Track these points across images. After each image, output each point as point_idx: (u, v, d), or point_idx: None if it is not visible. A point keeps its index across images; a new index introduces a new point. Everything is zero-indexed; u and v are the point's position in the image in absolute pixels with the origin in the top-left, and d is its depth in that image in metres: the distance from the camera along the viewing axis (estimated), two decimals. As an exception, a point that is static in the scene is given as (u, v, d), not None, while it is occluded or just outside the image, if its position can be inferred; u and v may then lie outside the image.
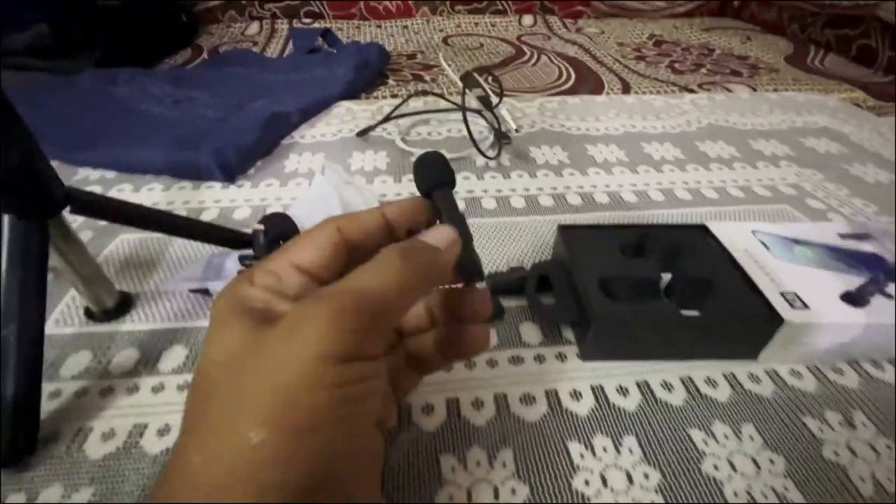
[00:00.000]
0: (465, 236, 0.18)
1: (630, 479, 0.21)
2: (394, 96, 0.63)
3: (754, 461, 0.22)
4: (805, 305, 0.25)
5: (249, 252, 0.30)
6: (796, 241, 0.30)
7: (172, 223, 0.30)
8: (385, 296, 0.14)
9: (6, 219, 0.22)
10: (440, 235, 0.17)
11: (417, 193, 0.19)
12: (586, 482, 0.21)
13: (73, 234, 0.25)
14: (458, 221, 0.18)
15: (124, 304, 0.29)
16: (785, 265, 0.28)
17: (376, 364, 0.14)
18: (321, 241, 0.16)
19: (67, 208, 0.24)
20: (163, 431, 0.23)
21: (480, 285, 0.19)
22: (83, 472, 0.21)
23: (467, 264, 0.18)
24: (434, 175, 0.19)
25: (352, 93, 0.61)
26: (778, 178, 0.44)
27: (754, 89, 0.65)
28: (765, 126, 0.54)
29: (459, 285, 0.19)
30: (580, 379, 0.25)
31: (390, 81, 0.69)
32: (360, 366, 0.13)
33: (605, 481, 0.21)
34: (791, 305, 0.25)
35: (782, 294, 0.26)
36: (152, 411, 0.23)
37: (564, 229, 0.31)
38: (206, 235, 0.31)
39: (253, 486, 0.11)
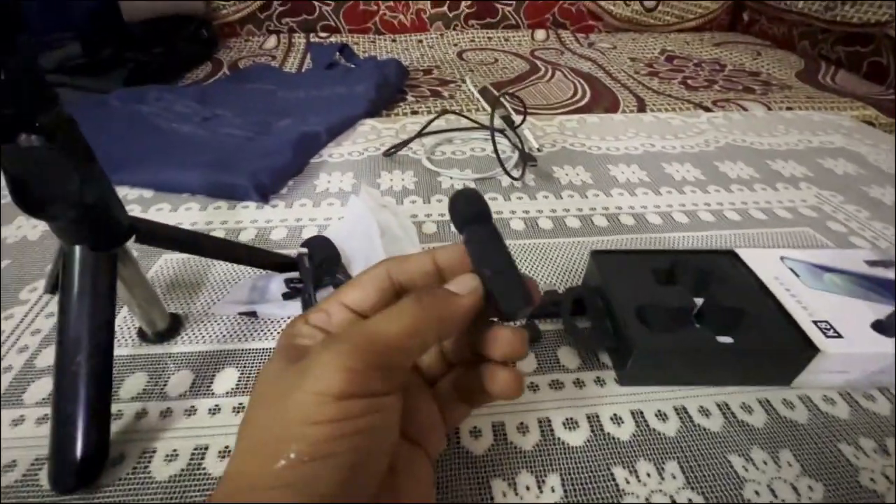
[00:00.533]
0: (503, 265, 0.17)
1: (674, 504, 0.22)
2: (414, 113, 0.64)
3: (794, 488, 0.23)
4: (838, 334, 0.26)
5: (295, 275, 0.31)
6: (825, 269, 0.31)
7: (230, 250, 0.31)
8: (394, 339, 0.15)
9: (77, 250, 0.23)
10: (461, 282, 0.17)
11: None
12: (632, 507, 0.22)
13: (133, 259, 0.26)
14: (494, 252, 0.18)
15: (175, 326, 0.30)
16: (815, 293, 0.29)
17: (385, 399, 0.15)
18: (368, 285, 0.18)
19: (132, 238, 0.25)
20: (223, 453, 0.24)
21: (521, 315, 0.18)
22: (151, 494, 0.22)
23: (504, 295, 0.17)
24: (464, 212, 0.18)
25: (374, 111, 0.62)
26: (798, 200, 0.45)
27: (769, 107, 0.66)
28: (782, 146, 0.55)
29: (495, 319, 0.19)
30: (620, 404, 0.26)
31: (409, 98, 0.70)
32: (365, 402, 0.14)
33: (650, 506, 0.22)
34: (825, 334, 0.26)
35: (815, 323, 0.27)
36: (211, 433, 0.24)
37: (598, 255, 0.32)
38: (261, 262, 0.32)
39: None
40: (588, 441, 0.24)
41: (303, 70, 0.81)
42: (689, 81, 0.78)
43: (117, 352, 0.28)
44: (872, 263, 0.31)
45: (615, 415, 0.26)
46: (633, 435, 0.25)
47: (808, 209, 0.44)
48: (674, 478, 0.23)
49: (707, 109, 0.66)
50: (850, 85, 0.77)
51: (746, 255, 0.32)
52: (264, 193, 0.43)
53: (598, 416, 0.26)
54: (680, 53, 0.92)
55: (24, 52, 0.19)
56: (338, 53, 0.83)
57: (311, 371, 0.14)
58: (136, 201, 0.43)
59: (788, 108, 0.66)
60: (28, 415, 0.25)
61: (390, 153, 0.51)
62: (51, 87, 0.20)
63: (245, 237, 0.39)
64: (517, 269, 0.18)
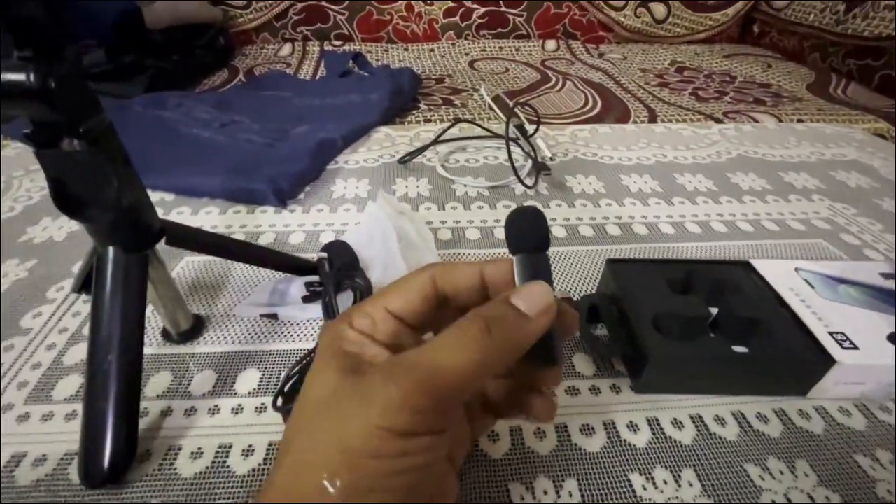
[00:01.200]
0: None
1: (691, 511, 0.22)
2: (427, 121, 0.65)
3: (811, 497, 0.23)
4: (854, 346, 0.26)
5: (315, 278, 0.32)
6: (840, 280, 0.31)
7: (253, 254, 0.32)
8: (461, 376, 0.14)
9: (111, 251, 0.24)
10: (535, 299, 0.16)
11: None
12: (649, 513, 0.22)
13: (161, 261, 0.27)
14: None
15: (198, 327, 0.31)
16: (830, 304, 0.29)
17: (442, 436, 0.14)
18: (412, 293, 0.17)
19: (162, 240, 0.26)
20: (247, 452, 0.24)
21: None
22: (178, 490, 0.22)
23: (546, 351, 0.16)
24: (528, 238, 0.17)
25: (388, 118, 0.63)
26: (811, 212, 0.45)
27: (780, 119, 0.67)
28: (794, 158, 0.55)
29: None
30: (635, 411, 0.27)
31: (422, 106, 0.71)
32: (425, 440, 0.14)
33: (667, 513, 0.22)
34: (840, 345, 0.26)
35: (831, 334, 0.27)
36: (235, 432, 0.25)
37: (613, 263, 0.32)
38: (282, 265, 0.33)
39: None
40: (604, 447, 0.25)
41: (317, 78, 0.83)
42: (700, 93, 0.78)
43: (143, 351, 0.29)
44: (888, 276, 0.32)
45: (631, 422, 0.26)
46: (649, 442, 0.25)
47: (821, 221, 0.44)
48: (690, 486, 0.23)
49: (718, 121, 0.67)
50: (861, 98, 0.77)
51: (761, 265, 0.32)
52: (282, 198, 0.43)
53: (614, 423, 0.26)
54: (690, 65, 0.92)
55: (71, 61, 0.20)
56: (351, 62, 0.84)
57: (375, 402, 0.13)
58: (158, 204, 0.44)
59: (799, 121, 0.67)
60: (57, 411, 0.26)
61: (405, 160, 0.52)
62: (93, 94, 0.21)
63: (264, 241, 0.40)
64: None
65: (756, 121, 0.66)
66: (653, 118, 0.67)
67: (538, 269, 0.17)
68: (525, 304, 0.16)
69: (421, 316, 0.18)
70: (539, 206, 0.45)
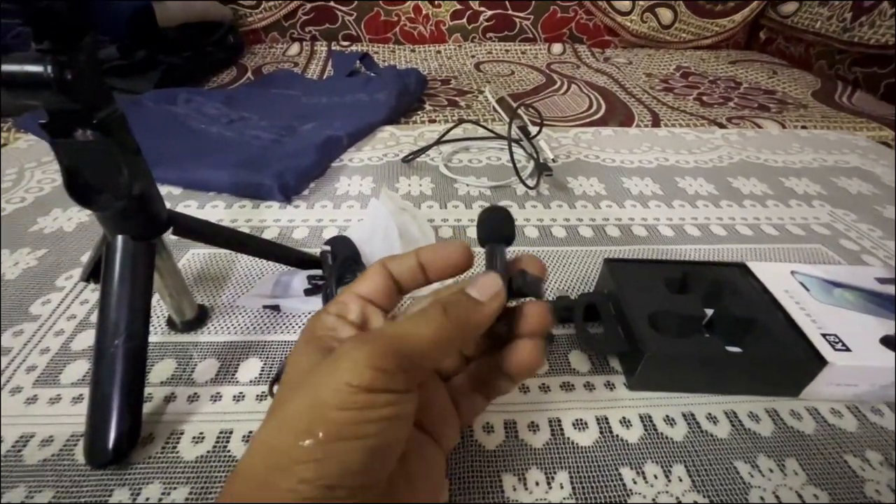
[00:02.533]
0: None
1: (681, 505, 0.22)
2: (432, 121, 0.66)
3: (799, 495, 0.23)
4: (846, 348, 0.26)
5: (318, 272, 0.32)
6: (835, 284, 0.31)
7: (257, 246, 0.33)
8: (419, 345, 0.17)
9: (120, 239, 0.25)
10: (485, 286, 0.19)
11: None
12: (639, 507, 0.22)
13: (168, 250, 0.28)
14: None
15: (202, 317, 0.31)
16: (825, 307, 0.29)
17: (405, 395, 0.16)
18: (374, 276, 0.20)
19: (170, 230, 0.26)
20: (247, 438, 0.25)
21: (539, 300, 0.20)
22: (179, 472, 0.23)
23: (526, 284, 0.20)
24: (491, 230, 0.21)
25: (393, 118, 0.64)
26: (811, 218, 0.45)
27: (783, 125, 0.67)
28: (796, 164, 0.56)
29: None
30: (629, 407, 0.27)
31: (427, 106, 0.72)
32: (388, 396, 0.15)
33: (656, 507, 0.22)
34: (833, 347, 0.26)
35: (824, 336, 0.27)
36: (236, 418, 0.26)
37: (611, 262, 0.33)
38: (286, 258, 0.33)
39: (288, 478, 0.14)
40: (597, 442, 0.25)
41: (324, 77, 0.84)
42: (704, 98, 0.79)
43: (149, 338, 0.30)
44: (883, 281, 0.32)
45: (624, 418, 0.26)
46: (641, 438, 0.25)
47: (820, 226, 0.44)
48: (680, 481, 0.23)
49: (721, 126, 0.67)
50: (867, 106, 0.77)
51: (757, 268, 0.32)
52: (287, 194, 0.44)
53: (607, 419, 0.26)
54: (695, 70, 0.92)
55: (88, 53, 0.21)
56: (358, 62, 0.85)
57: (344, 363, 0.15)
58: (166, 198, 0.44)
59: (803, 127, 0.67)
60: (64, 394, 0.27)
61: (409, 159, 0.52)
62: (107, 85, 0.22)
63: (268, 235, 0.40)
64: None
65: (760, 127, 0.66)
66: (656, 122, 0.68)
67: (499, 256, 0.20)
68: (477, 292, 0.18)
69: (383, 295, 0.20)
70: (540, 206, 0.46)
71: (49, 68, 0.19)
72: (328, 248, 0.33)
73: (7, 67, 0.19)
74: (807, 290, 0.31)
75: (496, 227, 0.21)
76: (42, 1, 0.19)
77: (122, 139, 0.23)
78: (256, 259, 0.37)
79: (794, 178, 0.53)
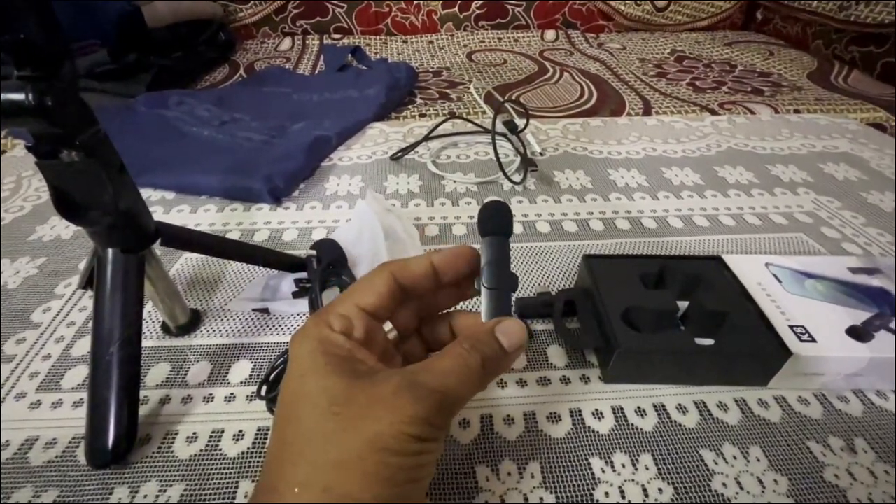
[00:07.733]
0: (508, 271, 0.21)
1: (646, 493, 0.24)
2: (422, 116, 0.66)
3: (759, 481, 0.24)
4: (812, 339, 0.27)
5: (304, 275, 0.34)
6: (808, 275, 0.32)
7: (243, 252, 0.34)
8: (464, 401, 0.18)
9: (110, 253, 0.26)
10: (514, 339, 0.19)
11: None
12: (606, 494, 0.24)
13: (158, 259, 0.29)
14: (497, 257, 0.21)
15: (195, 321, 0.33)
16: (795, 298, 0.30)
17: (441, 440, 0.18)
18: (379, 287, 0.20)
19: (157, 241, 0.28)
20: (237, 437, 0.26)
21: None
22: (174, 471, 0.25)
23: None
24: (491, 223, 0.22)
25: (383, 114, 0.64)
26: (795, 206, 0.46)
27: (776, 110, 0.66)
28: (784, 151, 0.56)
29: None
30: (602, 400, 0.28)
31: (418, 100, 0.72)
32: (432, 444, 0.17)
33: (623, 494, 0.24)
34: (799, 338, 0.27)
35: (791, 327, 0.28)
36: (227, 418, 0.27)
37: (589, 259, 0.34)
38: (273, 262, 0.34)
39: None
40: (569, 433, 0.26)
41: (316, 72, 0.84)
42: (698, 83, 0.78)
43: (143, 344, 0.31)
44: (855, 270, 0.32)
45: (597, 410, 0.28)
46: (612, 429, 0.27)
47: (803, 215, 0.45)
48: (647, 469, 0.25)
49: (713, 112, 0.67)
50: (862, 86, 0.76)
51: (732, 260, 0.33)
52: (277, 196, 0.45)
53: (580, 411, 0.27)
54: (690, 54, 0.91)
55: (68, 78, 0.21)
56: (350, 55, 0.85)
57: (405, 413, 0.16)
58: (159, 202, 0.46)
59: (796, 111, 0.66)
60: (65, 399, 0.28)
61: (397, 157, 0.53)
62: (88, 108, 0.23)
63: (259, 238, 0.42)
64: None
65: (752, 112, 0.66)
66: (648, 110, 0.68)
67: (503, 249, 0.22)
68: (507, 342, 0.19)
69: (387, 310, 0.20)
70: (526, 201, 0.46)
71: (30, 96, 0.20)
72: (314, 251, 0.34)
73: (-11, 97, 0.20)
74: (779, 281, 0.31)
75: (499, 221, 0.22)
76: (16, 30, 0.19)
77: (106, 158, 0.24)
78: (247, 264, 0.38)
79: (781, 165, 0.53)
